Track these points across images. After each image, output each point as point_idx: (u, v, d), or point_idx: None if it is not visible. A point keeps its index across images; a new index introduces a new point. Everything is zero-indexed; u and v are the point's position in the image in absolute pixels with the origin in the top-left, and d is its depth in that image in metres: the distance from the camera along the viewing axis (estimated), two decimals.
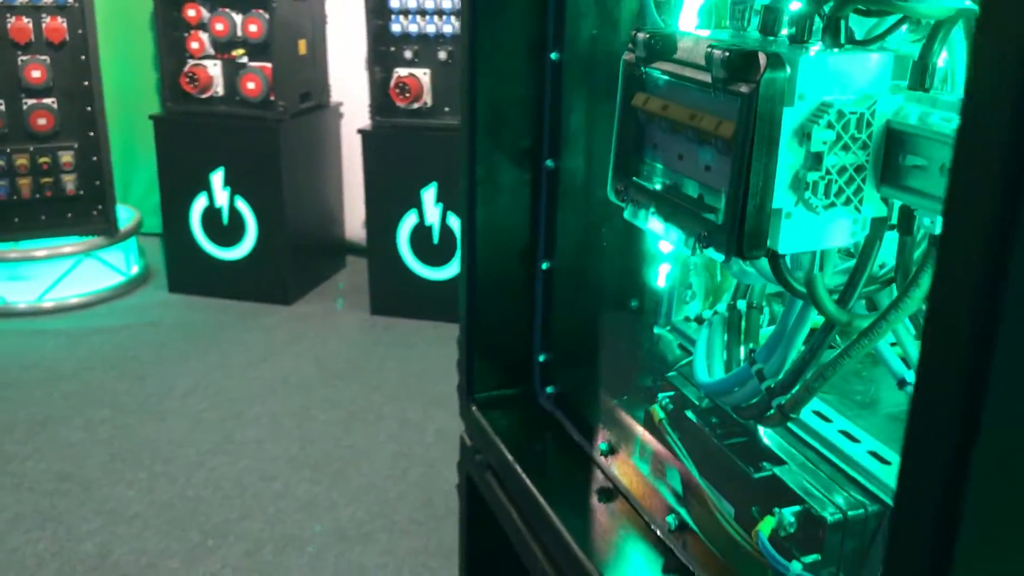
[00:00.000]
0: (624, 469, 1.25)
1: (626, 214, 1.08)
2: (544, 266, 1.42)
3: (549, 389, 1.46)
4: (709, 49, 0.89)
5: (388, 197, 4.35)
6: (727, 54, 0.87)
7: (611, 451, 1.28)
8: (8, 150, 4.41)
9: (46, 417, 3.54)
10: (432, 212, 4.30)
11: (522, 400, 1.48)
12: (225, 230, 4.60)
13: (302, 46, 4.58)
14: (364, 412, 3.62)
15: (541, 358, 1.47)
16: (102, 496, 3.06)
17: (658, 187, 1.03)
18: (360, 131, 4.36)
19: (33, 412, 3.57)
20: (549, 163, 1.39)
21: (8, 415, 3.55)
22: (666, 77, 1.00)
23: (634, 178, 1.06)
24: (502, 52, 1.34)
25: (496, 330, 1.46)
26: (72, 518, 2.94)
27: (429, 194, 4.28)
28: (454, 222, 4.29)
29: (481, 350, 1.47)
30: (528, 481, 1.26)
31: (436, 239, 4.34)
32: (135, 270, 4.88)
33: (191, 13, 4.42)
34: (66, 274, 4.56)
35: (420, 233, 4.35)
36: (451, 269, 4.36)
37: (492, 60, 1.34)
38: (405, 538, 2.86)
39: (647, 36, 1.01)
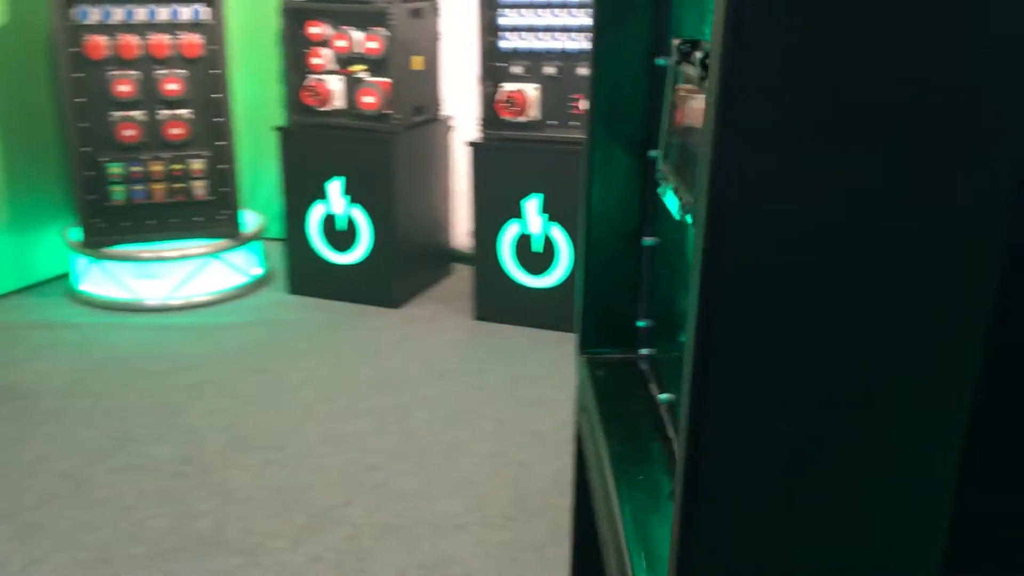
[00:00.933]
0: (672, 414, 1.48)
1: (659, 190, 1.23)
2: (646, 243, 1.66)
3: (644, 351, 1.70)
4: (699, 51, 1.03)
5: (493, 207, 4.51)
6: (703, 53, 1.01)
7: (669, 401, 1.51)
8: (145, 157, 4.75)
9: (171, 405, 3.81)
10: (535, 222, 4.43)
11: (623, 358, 1.74)
12: (341, 236, 4.84)
13: (418, 62, 4.79)
14: (464, 411, 3.77)
15: (641, 324, 1.71)
16: (218, 479, 3.28)
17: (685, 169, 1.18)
18: (469, 143, 4.53)
19: (160, 400, 3.85)
20: (653, 153, 1.60)
21: (138, 402, 3.84)
22: (685, 74, 1.15)
23: (667, 161, 1.21)
24: (620, 57, 1.61)
25: (606, 298, 1.73)
26: (190, 498, 3.17)
27: (532, 204, 4.41)
28: (556, 232, 4.41)
29: (594, 314, 1.73)
30: (598, 415, 1.52)
31: (538, 248, 4.47)
32: (257, 272, 5.18)
33: (315, 31, 4.68)
34: (194, 274, 4.88)
35: (523, 242, 4.49)
36: (552, 277, 4.47)
37: (611, 64, 1.61)
38: (496, 531, 2.98)
39: (679, 42, 1.15)
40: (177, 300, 4.85)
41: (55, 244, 5.08)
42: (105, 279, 4.85)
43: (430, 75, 4.93)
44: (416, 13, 4.72)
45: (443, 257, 5.33)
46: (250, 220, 5.20)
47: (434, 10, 4.91)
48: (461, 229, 5.29)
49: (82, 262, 4.89)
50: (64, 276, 5.10)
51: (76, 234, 4.86)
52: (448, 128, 5.17)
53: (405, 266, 4.90)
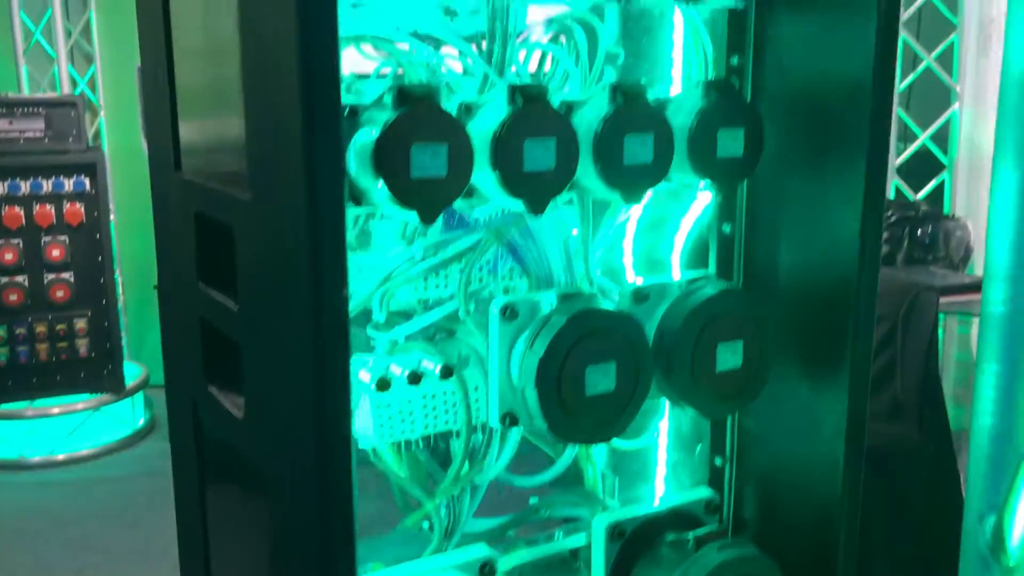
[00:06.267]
0: None
1: None
2: None
3: None
4: None
5: None
6: None
7: None
8: (30, 319, 4.98)
9: (45, 564, 3.95)
10: None
11: None
12: None
13: None
14: None
15: None
16: None
17: None
18: None
19: (34, 559, 3.99)
20: None
21: (12, 563, 3.97)
22: None
23: None
24: None
25: None
26: None
27: None
28: None
29: None
30: None
31: None
32: (141, 422, 5.36)
33: None
34: (77, 428, 5.05)
35: None
36: None
37: None
38: None
39: None
40: (61, 455, 5.00)
41: None
42: None
43: None
44: None
45: None
46: (134, 372, 5.41)
47: None
48: None
49: None
50: None
51: None
52: None
53: None
